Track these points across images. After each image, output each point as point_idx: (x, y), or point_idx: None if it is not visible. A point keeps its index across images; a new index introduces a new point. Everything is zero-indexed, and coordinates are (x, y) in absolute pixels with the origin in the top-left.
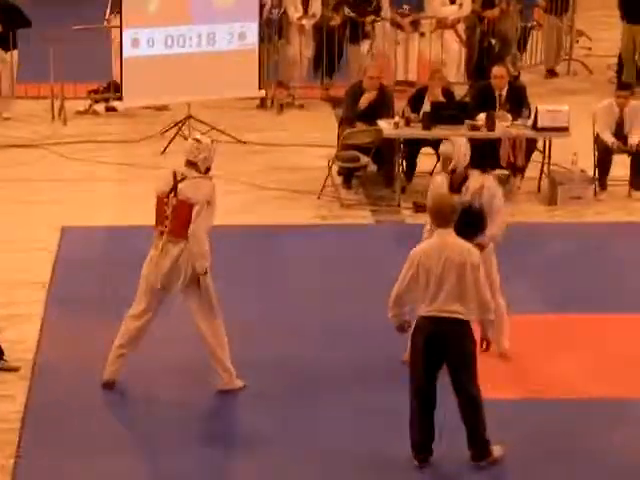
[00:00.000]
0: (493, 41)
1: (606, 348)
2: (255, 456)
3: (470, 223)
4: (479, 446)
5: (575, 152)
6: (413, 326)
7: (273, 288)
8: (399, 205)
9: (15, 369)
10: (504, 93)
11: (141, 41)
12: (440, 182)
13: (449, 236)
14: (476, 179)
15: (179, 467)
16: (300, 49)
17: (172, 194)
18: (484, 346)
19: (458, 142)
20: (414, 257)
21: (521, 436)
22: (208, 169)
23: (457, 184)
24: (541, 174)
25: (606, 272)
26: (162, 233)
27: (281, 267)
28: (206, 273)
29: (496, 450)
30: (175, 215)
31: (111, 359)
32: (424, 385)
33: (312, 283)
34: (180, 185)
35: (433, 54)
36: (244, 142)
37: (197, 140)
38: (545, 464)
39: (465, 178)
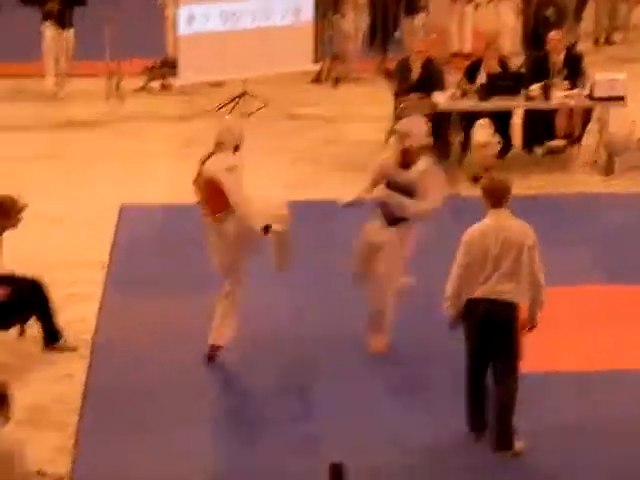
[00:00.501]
0: (549, 11)
1: None
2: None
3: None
4: (503, 436)
5: (633, 121)
6: (465, 309)
7: (331, 262)
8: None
9: (73, 349)
10: (560, 61)
11: (196, 17)
12: (387, 158)
13: (504, 216)
14: (423, 163)
15: (240, 447)
16: (355, 23)
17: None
18: (527, 329)
19: (417, 121)
20: (469, 242)
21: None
22: (237, 147)
23: (408, 162)
24: (598, 144)
25: None
26: (206, 215)
27: (338, 240)
28: (269, 226)
29: (518, 445)
30: (209, 194)
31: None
32: (475, 367)
33: None
34: (203, 166)
35: (489, 25)
36: (298, 117)
37: (222, 122)
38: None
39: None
